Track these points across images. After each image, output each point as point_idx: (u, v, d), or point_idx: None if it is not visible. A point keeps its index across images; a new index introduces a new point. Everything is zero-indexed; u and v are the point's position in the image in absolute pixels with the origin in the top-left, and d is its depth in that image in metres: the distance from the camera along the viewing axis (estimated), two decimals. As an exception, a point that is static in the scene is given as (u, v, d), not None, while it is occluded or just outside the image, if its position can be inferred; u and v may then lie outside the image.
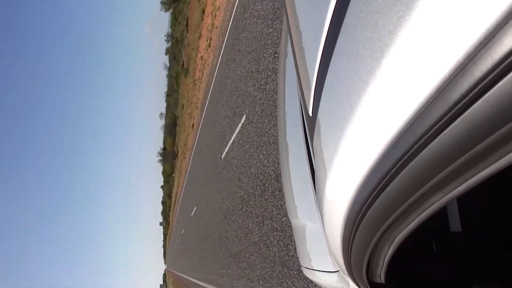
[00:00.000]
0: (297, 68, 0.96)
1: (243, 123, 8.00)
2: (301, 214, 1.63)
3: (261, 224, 6.16)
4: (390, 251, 0.74)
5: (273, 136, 5.91)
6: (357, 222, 0.72)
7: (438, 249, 1.07)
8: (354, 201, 0.69)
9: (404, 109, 0.48)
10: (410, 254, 1.00)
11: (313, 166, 1.07)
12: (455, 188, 0.49)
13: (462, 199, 1.04)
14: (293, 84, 1.66)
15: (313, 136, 0.87)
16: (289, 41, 1.21)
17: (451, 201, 1.02)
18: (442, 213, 1.05)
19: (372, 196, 0.62)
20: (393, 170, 0.54)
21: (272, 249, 5.53)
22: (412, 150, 0.49)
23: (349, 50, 0.58)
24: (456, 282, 1.00)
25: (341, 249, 0.89)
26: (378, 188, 0.60)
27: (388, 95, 0.50)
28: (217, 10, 16.57)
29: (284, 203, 1.95)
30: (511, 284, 0.92)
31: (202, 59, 21.36)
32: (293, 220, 1.80)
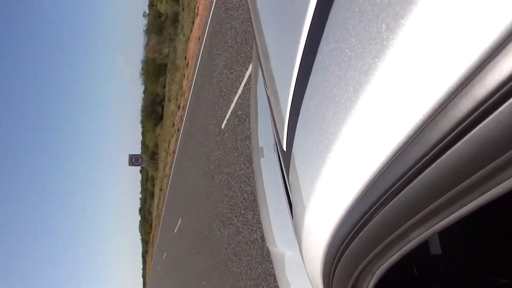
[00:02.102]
0: (269, 101, 0.95)
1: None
2: (280, 242, 1.61)
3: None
4: (371, 285, 0.72)
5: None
6: (337, 258, 0.71)
7: (419, 273, 1.07)
8: (334, 238, 0.68)
9: (381, 149, 0.47)
10: (392, 282, 0.99)
11: (290, 199, 1.06)
12: (436, 224, 0.48)
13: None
14: (267, 115, 1.64)
15: (288, 171, 0.86)
16: (260, 72, 1.20)
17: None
18: None
19: (352, 233, 0.61)
20: (373, 209, 0.53)
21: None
22: (393, 189, 0.48)
23: (322, 89, 0.57)
24: None
25: (321, 284, 0.87)
26: (358, 225, 0.59)
27: (365, 135, 0.49)
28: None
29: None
30: None
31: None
32: (271, 248, 1.77)
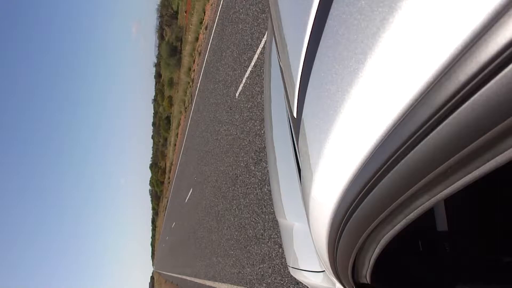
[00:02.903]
0: (281, 69, 0.96)
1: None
2: (289, 214, 1.63)
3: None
4: (376, 253, 0.73)
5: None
6: (342, 224, 0.71)
7: (424, 248, 1.07)
8: (340, 203, 0.69)
9: (389, 112, 0.47)
10: (396, 254, 1.00)
11: (299, 167, 1.07)
12: (441, 191, 0.49)
13: (449, 199, 1.04)
14: (279, 84, 1.65)
15: (298, 138, 0.87)
16: (273, 40, 1.20)
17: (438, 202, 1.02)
18: (428, 213, 1.05)
19: (358, 198, 0.62)
20: (379, 173, 0.54)
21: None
22: (398, 153, 0.48)
23: (332, 52, 0.58)
24: (442, 281, 1.00)
25: (327, 250, 0.89)
26: (364, 191, 0.59)
27: (372, 98, 0.50)
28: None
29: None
30: (497, 282, 0.92)
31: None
32: (280, 220, 1.79)
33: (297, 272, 1.66)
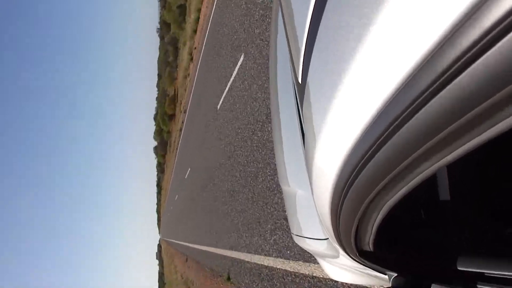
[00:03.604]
0: (287, 35, 0.96)
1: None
2: (292, 182, 1.64)
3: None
4: (378, 219, 0.74)
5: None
6: (345, 189, 0.72)
7: (426, 217, 1.08)
8: (343, 169, 0.69)
9: (392, 77, 0.47)
10: (399, 222, 1.01)
11: (303, 133, 1.07)
12: (442, 158, 0.49)
13: (451, 168, 1.04)
14: (285, 50, 1.64)
15: (302, 104, 0.87)
16: (279, 7, 1.20)
17: (440, 170, 1.02)
18: (431, 182, 1.05)
19: (360, 164, 0.62)
20: (381, 138, 0.54)
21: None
22: (400, 118, 0.48)
23: (336, 17, 0.58)
24: (444, 250, 1.01)
25: (329, 217, 0.89)
26: (366, 156, 0.60)
27: (376, 63, 0.50)
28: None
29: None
30: (498, 253, 0.93)
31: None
32: (284, 188, 1.80)
33: (300, 240, 1.68)
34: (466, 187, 1.09)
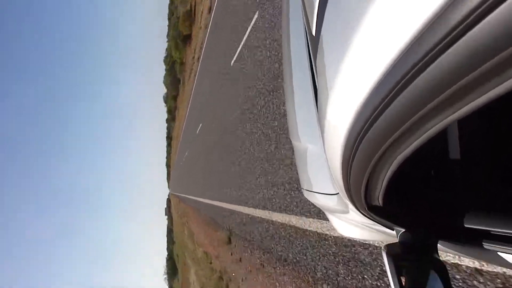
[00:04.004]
0: None
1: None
2: (303, 136, 1.64)
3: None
4: (389, 174, 0.74)
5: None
6: (357, 143, 0.71)
7: (436, 175, 1.08)
8: (355, 122, 0.68)
9: (406, 29, 0.47)
10: (409, 178, 1.01)
11: (316, 86, 1.06)
12: (454, 113, 0.50)
13: (462, 127, 1.04)
14: (298, 3, 1.62)
15: (316, 56, 0.87)
16: None
17: (451, 129, 1.01)
18: (442, 141, 1.05)
19: (373, 117, 0.62)
20: (394, 91, 0.54)
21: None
22: (413, 71, 0.48)
23: None
24: (451, 208, 1.01)
25: (340, 170, 0.89)
26: (379, 109, 0.59)
27: (390, 15, 0.49)
28: None
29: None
30: (506, 211, 0.93)
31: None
32: (294, 143, 1.80)
33: (310, 195, 1.69)
34: (478, 147, 1.09)
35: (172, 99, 69.64)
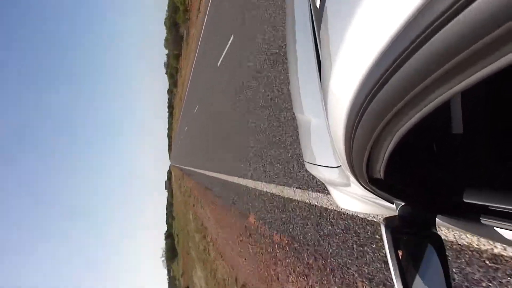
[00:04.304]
0: None
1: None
2: (307, 109, 1.63)
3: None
4: (390, 147, 0.74)
5: None
6: (360, 114, 0.71)
7: (438, 150, 1.08)
8: (358, 93, 0.68)
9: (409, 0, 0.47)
10: (411, 153, 1.01)
11: (320, 59, 1.05)
12: (457, 84, 0.50)
13: (465, 103, 1.04)
14: None
15: (320, 28, 0.86)
16: None
17: (454, 104, 1.01)
18: (444, 115, 1.04)
19: (376, 87, 0.62)
20: (397, 62, 0.54)
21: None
22: (416, 42, 0.49)
23: None
24: (451, 183, 1.02)
25: (343, 142, 0.90)
26: (382, 79, 0.60)
27: None
28: None
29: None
30: (504, 187, 0.93)
31: None
32: (298, 115, 1.80)
33: (313, 168, 1.70)
34: (479, 124, 1.09)
35: (174, 59, 65.08)
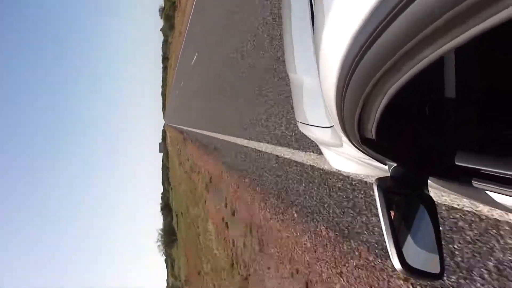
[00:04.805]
0: None
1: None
2: (299, 68, 1.61)
3: None
4: (382, 106, 0.73)
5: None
6: (351, 70, 0.70)
7: (430, 112, 1.07)
8: (350, 47, 0.67)
9: None
10: (403, 114, 1.00)
11: (313, 13, 1.02)
12: (447, 42, 0.49)
13: (458, 66, 1.03)
14: None
15: None
16: None
17: (447, 67, 0.99)
18: (438, 78, 1.03)
19: (368, 42, 0.60)
20: (388, 17, 0.53)
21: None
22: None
23: None
24: (443, 145, 1.02)
25: (334, 101, 0.88)
26: (373, 35, 0.58)
27: None
28: None
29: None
30: (496, 151, 0.93)
31: None
32: (291, 75, 1.79)
33: (305, 127, 1.69)
34: (472, 88, 1.08)
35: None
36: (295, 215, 4.72)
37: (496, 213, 2.02)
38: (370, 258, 3.07)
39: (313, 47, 0.98)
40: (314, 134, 1.61)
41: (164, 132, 78.09)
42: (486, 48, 0.98)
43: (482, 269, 2.06)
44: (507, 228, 1.97)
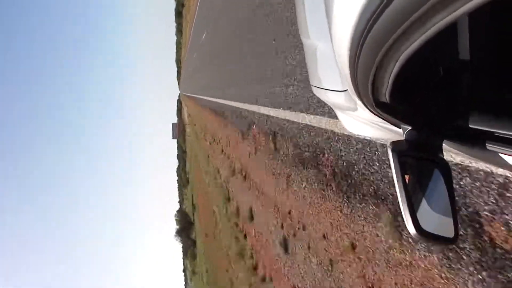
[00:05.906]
0: None
1: None
2: (313, 33, 1.60)
3: None
4: (396, 69, 0.73)
5: None
6: (364, 35, 0.70)
7: (444, 74, 1.05)
8: (362, 14, 0.66)
9: None
10: (416, 77, 0.99)
11: None
12: (458, 8, 0.48)
13: (472, 28, 1.00)
14: None
15: None
16: None
17: (461, 29, 0.97)
18: (452, 40, 1.01)
19: (380, 8, 0.60)
20: None
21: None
22: None
23: None
24: (458, 108, 1.01)
25: (348, 65, 0.88)
26: (384, 2, 0.58)
27: None
28: None
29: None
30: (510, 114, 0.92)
31: None
32: (304, 40, 1.77)
33: (320, 92, 1.69)
34: (488, 51, 1.05)
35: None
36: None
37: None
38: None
39: (326, 12, 0.97)
40: (328, 98, 1.60)
41: (179, 102, 78.27)
42: (501, 14, 0.96)
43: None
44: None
